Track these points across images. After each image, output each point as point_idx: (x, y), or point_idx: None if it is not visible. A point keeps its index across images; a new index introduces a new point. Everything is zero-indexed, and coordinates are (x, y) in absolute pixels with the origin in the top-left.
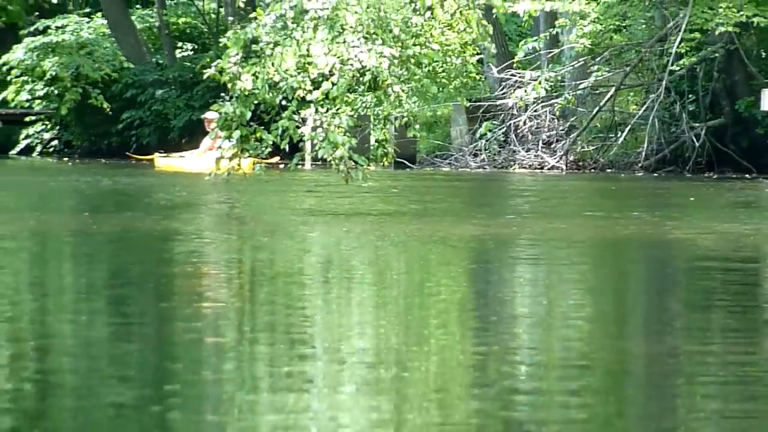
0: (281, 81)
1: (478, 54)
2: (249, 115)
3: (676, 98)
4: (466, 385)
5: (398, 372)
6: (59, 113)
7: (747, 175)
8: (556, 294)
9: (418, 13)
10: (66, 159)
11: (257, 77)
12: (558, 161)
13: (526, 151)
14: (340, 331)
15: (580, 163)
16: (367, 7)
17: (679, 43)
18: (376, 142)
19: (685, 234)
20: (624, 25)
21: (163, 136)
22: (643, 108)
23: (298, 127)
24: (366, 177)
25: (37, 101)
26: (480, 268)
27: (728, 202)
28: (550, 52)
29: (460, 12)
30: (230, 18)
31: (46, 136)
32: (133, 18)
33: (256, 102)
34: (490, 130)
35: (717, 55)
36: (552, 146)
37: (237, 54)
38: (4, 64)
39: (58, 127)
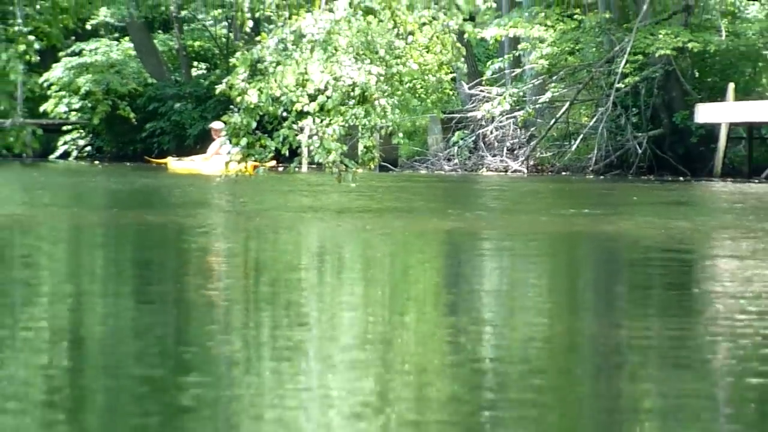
0: (282, 95)
1: (451, 73)
2: (254, 124)
3: (621, 111)
4: (440, 351)
5: (382, 336)
6: (92, 123)
7: (681, 178)
8: (517, 278)
9: (400, 37)
10: (97, 162)
11: (262, 92)
12: (520, 165)
13: (493, 157)
14: (333, 304)
15: (539, 167)
16: (357, 32)
17: (625, 64)
18: (364, 148)
19: (629, 228)
20: (577, 48)
21: (181, 143)
22: (594, 120)
23: (296, 135)
24: (355, 178)
25: (73, 113)
26: (452, 256)
27: (666, 201)
28: (513, 72)
29: (437, 36)
30: (238, 41)
31: (81, 142)
32: (155, 41)
33: (260, 113)
34: (461, 138)
35: (657, 74)
36: (515, 152)
37: (244, 72)
38: (45, 81)
39: (90, 135)
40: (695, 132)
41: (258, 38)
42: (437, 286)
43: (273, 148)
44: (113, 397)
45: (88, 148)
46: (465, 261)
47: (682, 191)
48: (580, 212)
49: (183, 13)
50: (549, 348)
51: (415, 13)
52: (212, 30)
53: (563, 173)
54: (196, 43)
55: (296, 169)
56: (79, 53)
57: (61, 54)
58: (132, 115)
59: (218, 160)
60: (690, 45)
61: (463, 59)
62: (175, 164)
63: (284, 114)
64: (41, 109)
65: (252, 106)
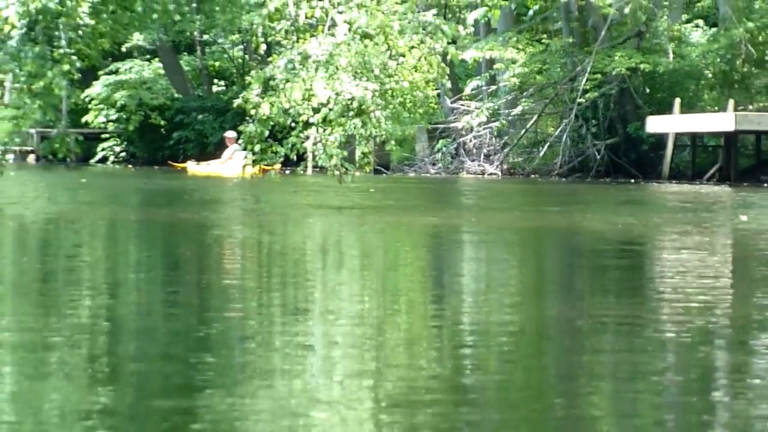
0: (291, 108)
1: (436, 89)
2: (267, 133)
3: (582, 123)
4: (425, 316)
5: (376, 317)
6: (126, 132)
7: (634, 180)
8: (492, 266)
9: (393, 58)
10: (130, 166)
11: (273, 105)
12: (495, 169)
13: (471, 161)
14: (333, 286)
15: (512, 171)
16: (355, 54)
17: (585, 82)
18: (361, 153)
19: (589, 223)
20: (544, 68)
21: (203, 149)
22: (558, 130)
23: (303, 143)
24: (353, 180)
25: (110, 123)
26: (437, 247)
27: (620, 200)
28: (489, 88)
29: (424, 57)
30: (252, 62)
31: (117, 149)
32: (181, 62)
33: (272, 124)
34: (444, 146)
35: (613, 91)
36: (490, 158)
37: (258, 88)
38: (86, 96)
39: (125, 143)
40: (646, 140)
41: (270, 59)
42: (423, 269)
43: (283, 154)
44: (143, 364)
45: (123, 154)
46: (447, 250)
47: (635, 192)
48: (547, 209)
49: (205, 37)
50: (518, 318)
51: (405, 38)
52: (230, 52)
53: (532, 176)
54: (216, 63)
55: (303, 172)
56: (116, 72)
57: (100, 72)
58: (161, 125)
59: (231, 164)
60: (642, 65)
61: (446, 77)
62: (193, 167)
63: (292, 124)
64: (83, 119)
65: (265, 117)
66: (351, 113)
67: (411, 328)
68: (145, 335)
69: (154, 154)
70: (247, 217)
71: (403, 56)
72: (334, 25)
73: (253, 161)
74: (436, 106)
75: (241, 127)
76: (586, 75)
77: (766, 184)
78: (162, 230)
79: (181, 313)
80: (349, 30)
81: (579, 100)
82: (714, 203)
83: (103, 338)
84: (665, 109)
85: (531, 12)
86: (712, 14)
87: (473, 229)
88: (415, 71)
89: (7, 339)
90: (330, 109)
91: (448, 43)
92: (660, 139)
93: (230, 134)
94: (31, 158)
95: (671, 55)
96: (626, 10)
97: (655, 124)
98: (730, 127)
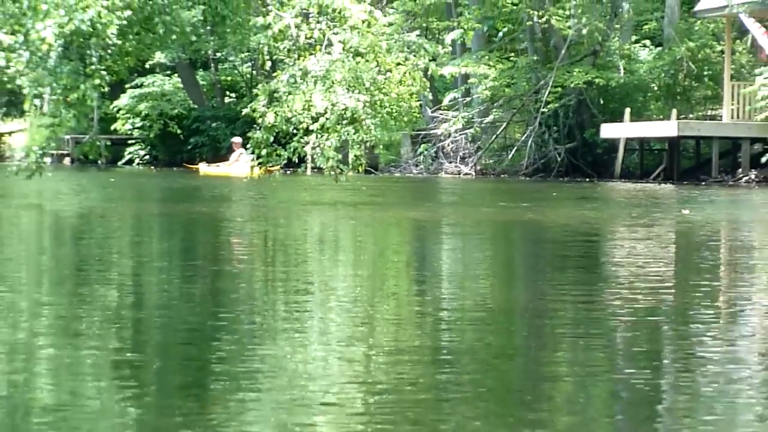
0: (293, 117)
1: (419, 100)
2: (272, 139)
3: (545, 129)
4: (407, 298)
5: (365, 297)
6: (149, 138)
7: (589, 179)
8: (467, 255)
9: (381, 73)
10: (153, 167)
11: (277, 114)
12: (469, 170)
13: (449, 163)
14: (328, 271)
15: (484, 171)
16: (349, 69)
17: (548, 94)
18: (354, 156)
19: (551, 216)
20: (512, 82)
21: (216, 153)
22: (524, 135)
23: (303, 147)
24: (347, 179)
25: (136, 130)
26: (419, 239)
27: (578, 196)
28: (465, 99)
29: (409, 73)
30: (259, 76)
31: (141, 152)
32: (197, 77)
33: (276, 130)
34: (426, 149)
35: (572, 102)
36: (466, 160)
37: (264, 99)
38: (114, 106)
39: (148, 147)
40: (600, 145)
41: (274, 74)
42: (407, 256)
43: (286, 157)
44: (164, 338)
45: (147, 157)
46: (428, 240)
47: (591, 189)
48: (515, 205)
49: (218, 55)
50: (490, 297)
51: (392, 55)
52: (240, 68)
53: (502, 176)
54: (228, 78)
55: (303, 172)
56: (140, 85)
57: (126, 86)
58: (179, 132)
59: (238, 165)
60: (596, 80)
61: (427, 90)
62: (205, 169)
63: (294, 131)
64: (112, 127)
65: (270, 125)
66: (345, 121)
67: (396, 301)
68: (168, 304)
69: (174, 157)
70: (255, 211)
71: (390, 71)
72: (330, 44)
73: (260, 163)
74: (418, 115)
75: (249, 134)
76: (549, 88)
77: (704, 183)
78: (180, 222)
79: (198, 290)
80: (343, 49)
81: (542, 109)
82: (659, 199)
83: (130, 312)
84: (617, 117)
85: (500, 33)
86: (658, 35)
87: (451, 221)
88: (401, 85)
89: (42, 321)
90: (327, 118)
91: (429, 60)
92: (612, 144)
93: (236, 140)
94: (67, 160)
95: (622, 71)
96: (584, 32)
97: (608, 130)
98: (673, 133)
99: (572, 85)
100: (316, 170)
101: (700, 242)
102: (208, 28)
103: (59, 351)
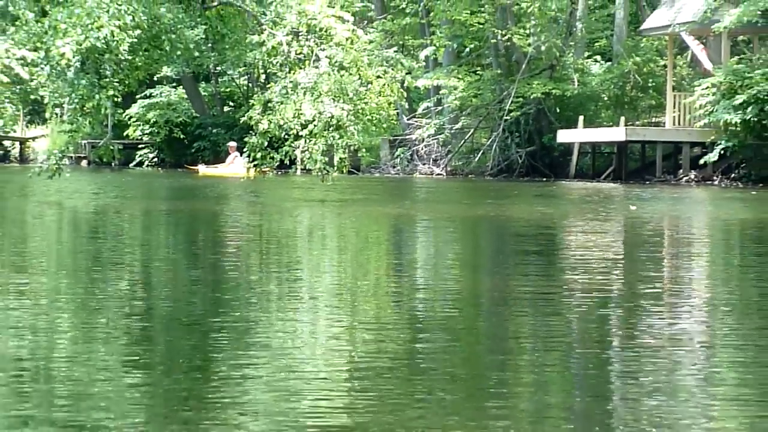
0: (284, 124)
1: (396, 109)
2: (266, 143)
3: (508, 135)
4: (385, 280)
5: (350, 280)
6: (157, 142)
7: (546, 179)
8: (438, 244)
9: (363, 85)
10: (160, 169)
11: (271, 122)
12: (441, 171)
13: (423, 164)
14: (317, 258)
15: (453, 172)
16: (334, 82)
17: (510, 103)
18: (339, 159)
19: (513, 212)
20: (479, 93)
21: (216, 156)
22: (490, 140)
23: (294, 150)
24: (333, 179)
25: (145, 135)
26: (396, 231)
27: (537, 194)
28: (437, 108)
29: (387, 84)
30: (255, 88)
31: (150, 155)
32: (199, 88)
33: (270, 136)
34: (402, 153)
35: (531, 110)
36: (437, 162)
37: (259, 108)
38: (126, 115)
39: (156, 150)
40: (557, 148)
41: (268, 86)
42: (386, 246)
43: (278, 159)
44: (172, 315)
45: (155, 159)
46: (404, 232)
47: (548, 188)
48: (480, 202)
49: (218, 69)
50: (458, 282)
51: (372, 69)
52: (237, 80)
53: (469, 176)
54: (227, 89)
55: (293, 172)
56: (149, 96)
57: (137, 96)
58: (183, 137)
59: (233, 167)
60: (553, 91)
61: (404, 100)
62: (203, 170)
63: (285, 136)
64: (124, 133)
65: (264, 131)
66: (331, 128)
67: (376, 283)
68: (176, 285)
69: (179, 159)
70: (250, 207)
71: (371, 83)
72: (317, 59)
73: (255, 165)
74: (395, 122)
75: (246, 139)
76: (511, 98)
77: (649, 182)
78: (185, 217)
79: (201, 275)
80: (330, 63)
81: (505, 117)
82: (609, 197)
83: (142, 292)
84: (572, 124)
85: (468, 50)
86: (608, 51)
87: (424, 216)
88: (380, 95)
89: (64, 306)
90: (315, 125)
91: (405, 74)
92: (568, 147)
93: (232, 144)
94: (84, 163)
95: (576, 83)
96: (542, 48)
97: (563, 135)
98: (621, 138)
99: (532, 96)
100: (305, 171)
101: (645, 234)
102: (209, 45)
103: (77, 328)
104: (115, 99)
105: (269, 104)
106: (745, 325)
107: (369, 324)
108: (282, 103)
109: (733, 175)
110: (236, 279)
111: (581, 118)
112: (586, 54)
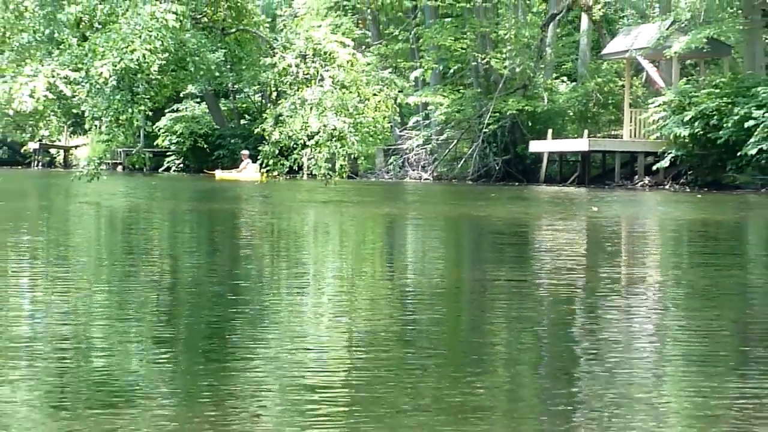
0: (293, 135)
1: (390, 122)
2: (277, 151)
3: (487, 145)
4: (380, 269)
5: (348, 271)
6: (183, 151)
7: (519, 184)
8: (425, 240)
9: (361, 101)
10: (185, 174)
11: (281, 133)
12: (428, 176)
13: (413, 170)
14: (321, 252)
15: (439, 177)
16: (337, 98)
17: (489, 118)
18: (340, 165)
19: (490, 212)
20: (461, 109)
21: (233, 162)
22: (471, 150)
23: (301, 158)
24: (335, 183)
25: (172, 144)
26: (390, 228)
27: (512, 197)
28: (425, 122)
29: (382, 101)
30: (268, 103)
31: (177, 162)
32: (220, 104)
33: (280, 145)
34: (394, 160)
35: (507, 124)
36: (425, 168)
37: (271, 121)
38: (156, 126)
39: (182, 158)
40: (529, 157)
41: (279, 102)
42: (381, 241)
43: (288, 165)
44: (198, 298)
45: (181, 165)
46: (396, 229)
47: (521, 192)
48: (462, 203)
49: (236, 87)
50: (443, 275)
51: (369, 88)
52: (252, 97)
53: (453, 180)
54: (244, 105)
55: (301, 177)
56: (176, 110)
57: (165, 111)
58: (205, 146)
59: (245, 172)
60: (526, 107)
61: (396, 114)
62: (220, 174)
63: (294, 145)
64: (154, 142)
65: (275, 141)
66: (333, 138)
67: (372, 274)
68: (196, 272)
69: (201, 165)
70: (262, 207)
71: (368, 100)
72: (322, 79)
73: (268, 170)
74: (389, 134)
75: (259, 148)
76: (489, 113)
77: (609, 186)
78: (205, 214)
79: (219, 266)
80: (333, 82)
81: (484, 130)
82: (574, 199)
83: (170, 278)
84: (542, 136)
85: (452, 71)
86: (573, 73)
87: (414, 215)
88: (376, 110)
89: (98, 294)
90: (319, 136)
91: (398, 92)
92: (538, 156)
93: (245, 152)
94: (119, 168)
95: (546, 100)
96: (517, 70)
97: (535, 146)
98: (585, 148)
99: (507, 112)
100: (311, 176)
101: (606, 232)
102: (228, 66)
103: (112, 309)
104: (146, 113)
105: (280, 118)
106: (693, 306)
107: (365, 304)
108: (291, 116)
109: (681, 180)
110: (250, 266)
111: (550, 130)
112: (555, 75)
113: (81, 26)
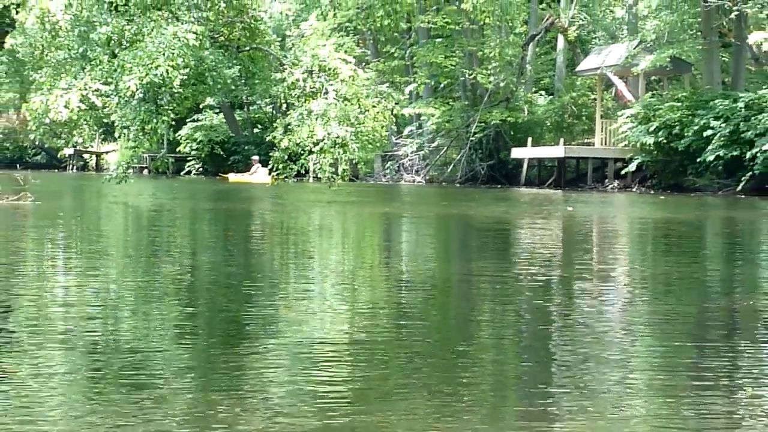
0: (301, 142)
1: (387, 131)
2: (286, 157)
3: (473, 151)
4: (377, 260)
5: (350, 263)
6: (202, 156)
7: (501, 186)
8: (419, 237)
9: (361, 112)
10: (204, 177)
11: (290, 140)
12: (421, 179)
13: (407, 174)
14: (326, 246)
15: (431, 180)
16: (339, 109)
17: (475, 127)
18: (342, 169)
19: (476, 211)
20: (451, 119)
21: (246, 167)
22: (459, 156)
23: (308, 163)
24: (338, 186)
25: (193, 150)
26: (387, 226)
27: (495, 198)
28: (418, 131)
29: (380, 112)
30: (278, 114)
31: (197, 166)
32: (235, 114)
33: (289, 152)
34: (391, 165)
35: (491, 133)
36: (419, 172)
37: (281, 130)
38: (179, 134)
39: (201, 162)
40: (511, 162)
41: (288, 113)
42: (378, 236)
43: (296, 170)
44: (212, 286)
45: (200, 170)
46: (393, 226)
47: (504, 193)
48: (452, 203)
49: (249, 99)
50: (433, 267)
51: (369, 100)
52: (264, 108)
53: (443, 183)
54: (256, 115)
55: (307, 180)
56: (196, 120)
57: (187, 120)
58: (222, 152)
59: (256, 175)
60: (508, 118)
61: (393, 124)
62: (232, 177)
63: (301, 152)
64: (177, 149)
65: (285, 148)
66: (337, 145)
67: (371, 267)
68: (212, 266)
69: (219, 169)
70: (273, 206)
71: (368, 111)
72: (327, 92)
73: (277, 174)
74: (386, 141)
75: (270, 154)
76: (475, 123)
77: (582, 189)
78: (222, 213)
79: (235, 258)
80: (336, 95)
81: (471, 138)
82: (551, 200)
83: (190, 268)
84: (523, 143)
85: (442, 85)
86: (551, 87)
87: (408, 214)
88: (375, 120)
89: (128, 278)
90: (324, 143)
91: (395, 104)
92: (519, 162)
93: (255, 157)
94: (145, 172)
95: (526, 112)
96: (500, 85)
97: (516, 152)
98: (561, 154)
99: (492, 122)
100: (316, 179)
101: (579, 229)
102: (243, 81)
103: (138, 294)
104: (170, 122)
105: (289, 127)
106: (657, 293)
107: (364, 293)
108: (299, 126)
109: (647, 183)
110: (262, 258)
111: (530, 139)
112: (534, 89)
113: (111, 44)
